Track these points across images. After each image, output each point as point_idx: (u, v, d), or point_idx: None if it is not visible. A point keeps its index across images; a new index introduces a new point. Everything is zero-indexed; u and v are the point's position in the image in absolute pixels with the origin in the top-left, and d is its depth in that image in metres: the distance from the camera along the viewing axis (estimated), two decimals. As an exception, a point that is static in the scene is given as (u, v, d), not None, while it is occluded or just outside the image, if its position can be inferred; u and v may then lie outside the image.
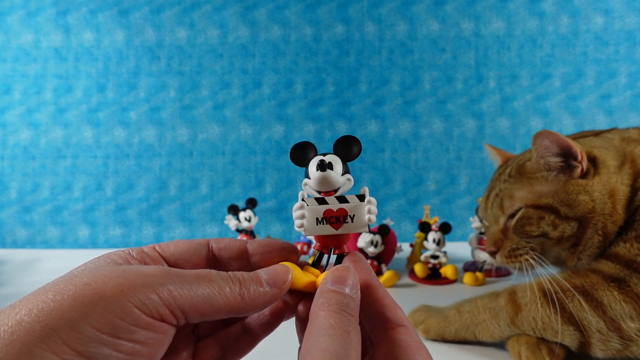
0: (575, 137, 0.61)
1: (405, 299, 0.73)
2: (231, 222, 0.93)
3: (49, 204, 1.22)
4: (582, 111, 1.22)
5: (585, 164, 0.52)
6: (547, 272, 0.50)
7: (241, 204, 0.98)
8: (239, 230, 0.94)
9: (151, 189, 1.23)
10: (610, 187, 0.51)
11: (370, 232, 0.79)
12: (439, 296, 0.74)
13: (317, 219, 0.27)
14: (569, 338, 0.45)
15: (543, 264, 0.51)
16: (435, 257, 0.81)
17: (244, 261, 0.27)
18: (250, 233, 0.94)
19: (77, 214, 1.22)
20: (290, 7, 1.25)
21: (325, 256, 0.28)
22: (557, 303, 0.46)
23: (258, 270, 0.25)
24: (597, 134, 0.60)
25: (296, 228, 0.27)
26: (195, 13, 1.25)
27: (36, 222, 1.21)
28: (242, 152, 1.24)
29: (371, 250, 0.78)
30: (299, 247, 0.89)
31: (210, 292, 0.22)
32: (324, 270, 0.27)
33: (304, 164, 0.27)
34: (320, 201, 0.27)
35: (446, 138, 1.24)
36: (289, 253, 0.27)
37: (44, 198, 1.22)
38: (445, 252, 0.82)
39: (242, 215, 0.92)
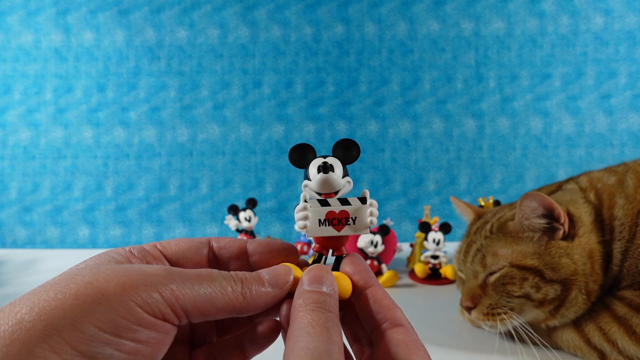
0: (552, 190, 0.61)
1: (405, 299, 0.73)
2: (231, 222, 0.93)
3: (49, 204, 1.22)
4: (582, 111, 1.22)
5: (567, 225, 0.52)
6: (521, 325, 0.51)
7: (241, 204, 0.99)
8: (239, 230, 0.94)
9: (151, 189, 1.23)
10: (589, 248, 0.51)
11: (370, 231, 0.80)
12: (439, 296, 0.74)
13: (319, 220, 0.27)
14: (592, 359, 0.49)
15: (521, 326, 0.51)
16: (435, 257, 0.81)
17: (244, 261, 0.28)
18: (250, 233, 0.94)
19: (77, 214, 1.22)
20: (290, 7, 1.25)
21: (325, 257, 0.28)
22: (583, 333, 0.49)
23: (260, 270, 0.25)
24: (557, 187, 0.60)
25: (298, 229, 0.27)
26: (195, 13, 1.25)
27: (36, 222, 1.21)
28: (242, 152, 1.24)
29: (371, 250, 0.78)
30: (298, 247, 0.89)
31: (212, 291, 0.22)
32: None
33: (304, 165, 0.28)
34: (323, 203, 0.27)
35: (446, 138, 1.24)
36: (289, 254, 0.27)
37: (44, 198, 1.22)
38: (445, 252, 0.82)
39: (242, 215, 0.92)
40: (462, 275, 0.60)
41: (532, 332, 0.52)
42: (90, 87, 1.23)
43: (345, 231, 0.27)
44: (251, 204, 0.95)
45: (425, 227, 0.82)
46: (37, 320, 0.18)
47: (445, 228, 0.81)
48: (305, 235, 0.28)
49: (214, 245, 0.27)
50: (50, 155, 1.22)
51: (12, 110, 1.23)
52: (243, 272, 0.24)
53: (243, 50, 1.25)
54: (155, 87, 1.24)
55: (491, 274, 0.54)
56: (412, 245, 0.94)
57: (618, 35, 1.22)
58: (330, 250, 0.28)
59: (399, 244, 0.86)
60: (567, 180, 0.61)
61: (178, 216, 1.22)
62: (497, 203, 0.87)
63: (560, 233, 0.52)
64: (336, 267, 0.27)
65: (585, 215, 0.53)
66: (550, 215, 0.52)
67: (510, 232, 0.55)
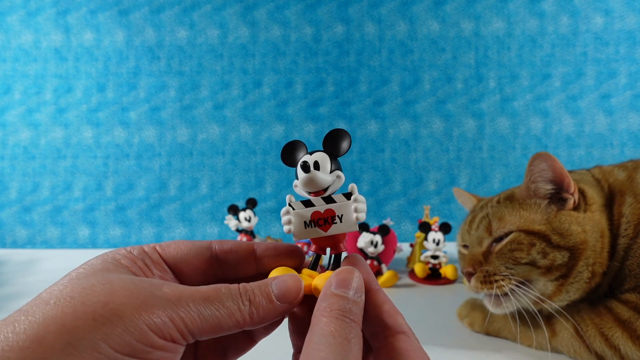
0: None
1: (405, 299, 0.73)
2: (231, 222, 0.93)
3: (49, 204, 1.22)
4: (582, 111, 1.22)
5: (577, 196, 0.51)
6: (528, 298, 0.50)
7: (241, 204, 0.99)
8: (239, 230, 0.94)
9: (151, 189, 1.23)
10: (602, 227, 0.50)
11: (370, 232, 0.80)
12: (439, 296, 0.74)
13: (304, 222, 0.26)
14: None
15: (520, 292, 0.50)
16: (435, 257, 0.81)
17: (251, 264, 0.27)
18: (250, 233, 0.94)
19: (77, 214, 1.22)
20: (290, 7, 1.25)
21: (328, 256, 0.28)
22: (584, 339, 0.48)
23: (269, 282, 0.24)
24: (572, 171, 0.60)
25: (286, 232, 0.27)
26: (195, 13, 1.25)
27: (36, 222, 1.21)
28: (242, 152, 1.24)
29: (371, 250, 0.78)
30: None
31: (220, 316, 0.22)
32: (322, 272, 0.27)
33: (294, 164, 0.27)
34: (307, 204, 0.26)
35: (446, 138, 1.24)
36: (295, 256, 0.27)
37: (44, 198, 1.22)
38: (445, 252, 0.82)
39: (242, 215, 0.92)
40: (464, 251, 0.60)
41: (530, 289, 0.51)
42: (90, 87, 1.23)
43: (332, 230, 0.26)
44: (251, 204, 0.95)
45: (425, 227, 0.82)
46: (58, 339, 0.19)
47: (445, 228, 0.81)
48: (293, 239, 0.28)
49: (217, 248, 0.27)
50: (50, 155, 1.22)
51: (12, 110, 1.23)
52: (251, 286, 0.24)
53: (243, 50, 1.25)
54: (155, 87, 1.24)
55: (497, 240, 0.53)
56: (412, 245, 0.94)
57: (618, 35, 1.22)
58: (329, 249, 0.27)
59: (399, 244, 0.86)
60: (579, 170, 0.60)
61: (178, 216, 1.22)
62: (497, 203, 0.87)
63: (571, 203, 0.51)
64: (335, 265, 0.27)
65: (597, 197, 0.53)
66: (558, 183, 0.52)
67: (518, 199, 0.54)
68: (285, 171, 1.23)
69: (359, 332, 0.22)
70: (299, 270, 0.27)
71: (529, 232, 0.51)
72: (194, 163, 1.23)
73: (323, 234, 0.26)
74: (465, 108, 1.24)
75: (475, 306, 0.59)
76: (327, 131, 1.24)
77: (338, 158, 0.27)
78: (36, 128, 1.23)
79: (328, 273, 0.25)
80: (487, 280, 0.52)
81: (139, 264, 0.25)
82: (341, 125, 1.24)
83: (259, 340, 0.28)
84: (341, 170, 0.27)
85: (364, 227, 0.81)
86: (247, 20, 1.25)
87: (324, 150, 0.27)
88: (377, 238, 0.79)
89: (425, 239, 0.82)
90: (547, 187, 0.52)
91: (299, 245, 0.29)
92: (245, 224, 0.92)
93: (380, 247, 0.79)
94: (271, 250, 0.27)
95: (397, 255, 0.87)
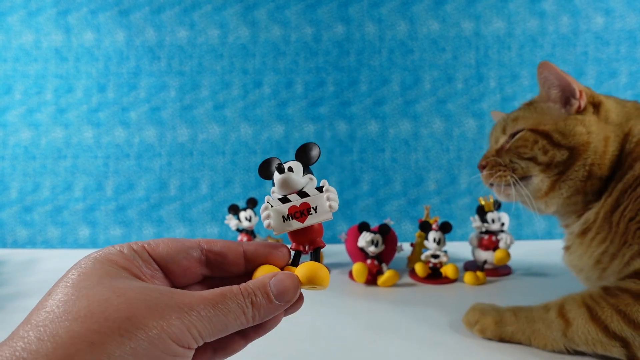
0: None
1: (406, 299, 0.73)
2: (231, 222, 0.93)
3: (49, 204, 1.22)
4: (583, 111, 1.22)
5: (584, 102, 0.56)
6: (523, 193, 0.57)
7: (241, 203, 0.99)
8: (239, 230, 0.94)
9: (151, 189, 1.23)
10: (606, 134, 0.54)
11: (371, 231, 0.80)
12: (439, 295, 0.74)
13: (283, 217, 0.28)
14: (617, 353, 0.46)
15: (518, 185, 0.57)
16: (435, 256, 0.81)
17: (240, 264, 0.29)
18: (250, 233, 0.94)
19: (77, 214, 1.22)
20: (290, 7, 1.25)
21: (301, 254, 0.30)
22: (600, 321, 0.46)
23: (267, 281, 0.26)
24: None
25: (266, 227, 0.29)
26: (195, 13, 1.25)
27: (36, 222, 1.21)
28: (242, 152, 1.24)
29: (372, 249, 0.78)
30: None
31: (227, 320, 0.24)
32: None
33: (270, 176, 0.29)
34: (284, 200, 0.29)
35: (446, 138, 1.24)
36: (284, 255, 0.29)
37: (44, 198, 1.22)
38: (445, 252, 0.82)
39: (242, 215, 0.93)
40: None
41: (528, 184, 0.57)
42: (90, 87, 1.23)
43: (309, 221, 0.28)
44: (251, 203, 0.95)
45: (425, 227, 0.82)
46: (89, 357, 0.19)
47: (445, 227, 0.81)
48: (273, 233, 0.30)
49: (205, 248, 0.28)
50: (51, 155, 1.23)
51: (13, 110, 1.23)
52: (251, 287, 0.25)
53: (243, 50, 1.25)
54: (155, 87, 1.24)
55: (512, 136, 0.60)
56: (412, 245, 0.94)
57: (619, 35, 1.22)
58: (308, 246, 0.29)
59: (399, 244, 0.86)
60: (624, 100, 0.64)
61: (178, 216, 1.22)
62: (497, 202, 0.87)
63: (575, 107, 0.56)
64: (314, 258, 0.29)
65: (613, 114, 0.56)
66: (565, 89, 0.57)
67: (534, 102, 0.61)
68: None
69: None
70: (282, 268, 0.29)
71: (534, 131, 0.57)
72: (194, 163, 1.23)
73: (300, 225, 0.28)
74: (466, 108, 1.24)
75: (484, 311, 0.56)
76: (327, 131, 1.24)
77: (310, 166, 0.29)
78: (37, 128, 1.23)
79: (307, 263, 0.27)
80: (493, 170, 0.59)
81: (134, 263, 0.25)
82: (341, 125, 1.24)
83: (251, 340, 0.29)
84: (313, 174, 0.29)
85: (364, 226, 0.81)
86: (247, 20, 1.25)
87: (297, 160, 0.30)
88: (378, 237, 0.79)
89: (426, 238, 0.82)
90: (556, 92, 0.57)
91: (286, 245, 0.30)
92: (245, 224, 0.92)
93: (381, 247, 0.79)
94: (260, 249, 0.29)
95: (397, 254, 0.87)
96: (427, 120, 1.24)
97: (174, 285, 0.28)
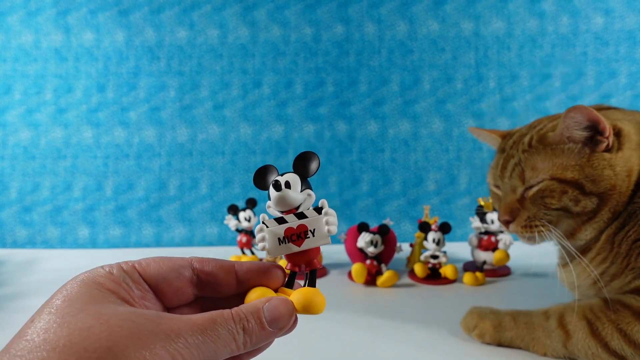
0: (595, 108, 0.61)
1: (405, 299, 0.73)
2: (231, 222, 0.93)
3: (49, 204, 1.22)
4: (582, 111, 1.22)
5: (611, 139, 0.52)
6: (555, 236, 0.53)
7: (241, 203, 0.99)
8: (238, 230, 0.94)
9: (151, 189, 1.23)
10: (630, 166, 0.51)
11: (370, 232, 0.80)
12: (439, 296, 0.74)
13: (279, 239, 0.27)
14: None
15: (557, 236, 0.53)
16: (435, 257, 0.81)
17: (232, 284, 0.28)
18: (250, 233, 0.94)
19: (77, 214, 1.22)
20: (290, 7, 1.25)
21: (296, 274, 0.29)
22: (601, 337, 0.46)
23: (260, 306, 0.25)
24: (614, 107, 0.60)
25: (260, 250, 0.28)
26: (195, 13, 1.25)
27: (36, 222, 1.21)
28: (242, 152, 1.24)
29: (371, 250, 0.78)
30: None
31: (216, 347, 0.23)
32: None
33: (266, 187, 0.28)
34: (280, 221, 0.27)
35: (446, 138, 1.24)
36: (277, 276, 0.28)
37: (44, 198, 1.22)
38: (445, 252, 0.82)
39: (242, 215, 0.93)
40: (497, 191, 0.60)
41: (569, 245, 0.53)
42: (90, 87, 1.23)
43: (306, 245, 0.27)
44: (251, 203, 0.95)
45: (425, 227, 0.82)
46: None
47: (444, 228, 0.81)
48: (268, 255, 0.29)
49: (197, 267, 0.27)
50: (50, 155, 1.22)
51: (12, 110, 1.23)
52: (244, 312, 0.24)
53: (243, 50, 1.25)
54: (155, 87, 1.24)
55: (530, 187, 0.54)
56: (411, 245, 0.94)
57: (618, 35, 1.22)
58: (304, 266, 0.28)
59: (398, 244, 0.86)
60: (631, 110, 0.60)
61: (178, 216, 1.22)
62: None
63: (604, 146, 0.52)
64: (311, 282, 0.27)
65: (634, 135, 0.53)
66: (594, 127, 0.52)
67: (551, 143, 0.54)
68: (285, 171, 1.23)
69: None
70: (277, 290, 0.27)
71: (561, 181, 0.52)
72: (193, 163, 1.23)
73: (297, 249, 0.27)
74: (465, 108, 1.24)
75: (483, 315, 0.56)
76: (327, 131, 1.24)
77: (308, 178, 0.28)
78: (36, 128, 1.23)
79: (303, 290, 0.26)
80: (528, 225, 0.54)
81: (123, 286, 0.24)
82: (341, 125, 1.24)
83: None
84: (311, 190, 0.28)
85: (364, 227, 0.81)
86: (247, 20, 1.25)
87: (294, 171, 0.28)
88: (377, 238, 0.79)
89: (425, 238, 0.82)
90: (583, 134, 0.52)
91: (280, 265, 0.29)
92: (245, 224, 0.93)
93: (380, 247, 0.79)
94: (252, 270, 0.27)
95: (397, 255, 0.87)
96: (427, 121, 1.24)
97: (165, 306, 0.27)
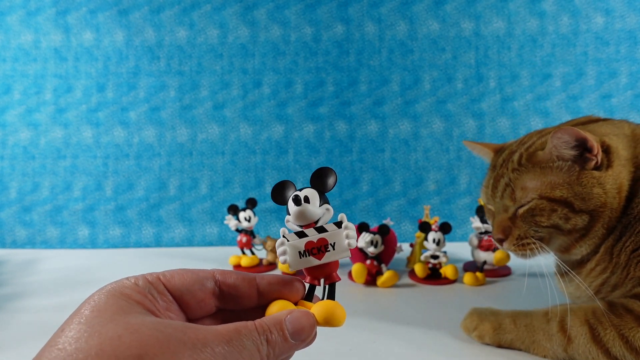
0: (583, 121, 0.60)
1: (405, 299, 0.73)
2: (231, 222, 0.93)
3: (49, 204, 1.22)
4: (583, 111, 1.22)
5: (600, 156, 0.51)
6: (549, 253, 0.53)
7: (241, 204, 0.98)
8: (238, 230, 0.94)
9: (151, 189, 1.23)
10: (620, 182, 0.51)
11: (370, 232, 0.79)
12: (439, 296, 0.74)
13: (299, 252, 0.28)
14: None
15: (546, 252, 0.53)
16: (435, 257, 0.81)
17: (253, 296, 0.28)
18: (250, 233, 0.94)
19: (76, 214, 1.22)
20: (290, 7, 1.25)
21: (322, 286, 0.29)
22: (602, 343, 0.46)
23: (283, 318, 0.25)
24: (604, 119, 0.60)
25: (281, 263, 0.28)
26: (195, 13, 1.25)
27: (36, 222, 1.21)
28: (242, 152, 1.24)
29: (371, 250, 0.78)
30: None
31: (241, 358, 0.23)
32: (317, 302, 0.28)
33: (284, 202, 0.28)
34: (300, 235, 0.28)
35: (446, 138, 1.24)
36: (297, 289, 0.28)
37: (43, 198, 1.22)
38: (445, 252, 0.82)
39: (242, 215, 0.92)
40: (492, 207, 0.60)
41: (562, 262, 0.53)
42: (90, 87, 1.23)
43: (326, 258, 0.27)
44: (251, 204, 0.95)
45: (425, 227, 0.82)
46: None
47: (445, 228, 0.81)
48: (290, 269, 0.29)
49: (220, 280, 0.28)
50: (50, 155, 1.22)
51: (12, 110, 1.23)
52: (267, 324, 0.25)
53: (243, 50, 1.25)
54: (155, 87, 1.24)
55: (521, 206, 0.54)
56: (412, 245, 0.93)
57: (619, 35, 1.22)
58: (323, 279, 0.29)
59: (399, 244, 0.86)
60: (618, 120, 0.59)
61: (178, 216, 1.22)
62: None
63: (592, 163, 0.52)
64: (330, 295, 0.28)
65: (623, 150, 0.52)
66: (581, 146, 0.52)
67: (540, 162, 0.54)
68: (285, 171, 1.23)
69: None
70: (297, 303, 0.28)
71: (550, 199, 0.52)
72: (193, 163, 1.23)
73: (317, 262, 0.27)
74: (466, 108, 1.24)
75: (483, 317, 0.56)
76: (327, 131, 1.24)
77: (325, 194, 0.28)
78: (36, 128, 1.23)
79: (324, 302, 0.27)
80: (520, 243, 0.54)
81: (148, 297, 0.25)
82: (341, 125, 1.24)
83: None
84: (329, 204, 0.28)
85: (364, 227, 0.80)
86: (247, 20, 1.25)
87: (312, 187, 0.28)
88: (377, 238, 0.79)
89: (425, 238, 0.82)
90: (572, 152, 0.52)
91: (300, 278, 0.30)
92: (245, 224, 0.92)
93: (380, 247, 0.79)
94: (273, 283, 0.28)
95: (397, 255, 0.87)
96: (427, 120, 1.24)
97: (188, 317, 0.28)
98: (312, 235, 0.28)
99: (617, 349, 0.45)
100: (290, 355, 0.27)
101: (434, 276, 0.81)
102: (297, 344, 0.25)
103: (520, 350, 0.53)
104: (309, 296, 0.29)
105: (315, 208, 0.27)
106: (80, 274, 0.91)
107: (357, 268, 0.78)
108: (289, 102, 1.24)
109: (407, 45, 1.25)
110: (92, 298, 0.24)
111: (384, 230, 0.80)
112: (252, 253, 0.94)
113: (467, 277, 0.80)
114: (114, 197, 1.22)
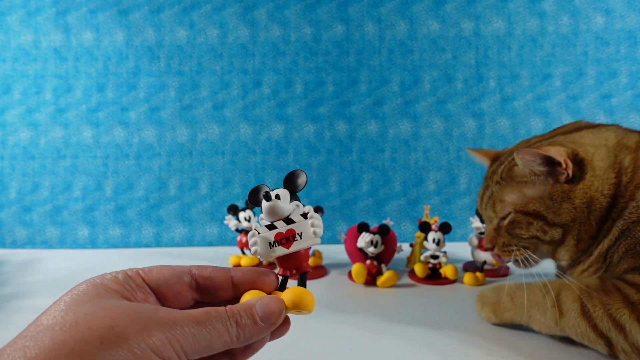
0: (570, 129, 0.60)
1: (405, 299, 0.73)
2: (231, 222, 0.93)
3: (49, 204, 1.22)
4: (583, 111, 1.22)
5: (570, 170, 0.52)
6: (536, 260, 0.56)
7: (241, 203, 0.98)
8: (238, 230, 0.94)
9: (151, 189, 1.23)
10: (591, 195, 0.52)
11: (370, 232, 0.79)
12: (439, 296, 0.74)
13: (269, 243, 0.30)
14: (601, 349, 0.49)
15: (532, 261, 0.56)
16: (435, 257, 0.81)
17: (228, 289, 0.30)
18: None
19: (76, 214, 1.22)
20: (290, 7, 1.25)
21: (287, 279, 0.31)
22: (591, 319, 0.48)
23: (253, 304, 0.27)
24: (593, 126, 0.60)
25: (252, 254, 0.30)
26: (195, 13, 1.25)
27: (36, 222, 1.21)
28: (242, 152, 1.24)
29: (371, 250, 0.78)
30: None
31: (210, 338, 0.24)
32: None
33: (259, 202, 0.31)
34: (270, 227, 0.30)
35: (446, 138, 1.24)
36: (270, 281, 0.30)
37: (43, 198, 1.22)
38: (445, 252, 0.82)
39: (241, 215, 0.92)
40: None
41: (535, 253, 0.56)
42: (90, 87, 1.23)
43: (294, 247, 0.29)
44: (251, 203, 0.94)
45: (425, 227, 0.82)
46: None
47: (445, 228, 0.81)
48: (260, 259, 0.32)
49: (196, 273, 0.29)
50: (50, 155, 1.22)
51: (12, 110, 1.23)
52: (237, 308, 0.26)
53: (243, 50, 1.25)
54: (155, 87, 1.24)
55: (503, 218, 0.57)
56: (412, 245, 0.93)
57: (619, 35, 1.22)
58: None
59: (399, 244, 0.86)
60: (609, 126, 0.59)
61: (178, 216, 1.22)
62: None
63: (563, 177, 0.53)
64: (301, 283, 0.30)
65: (599, 162, 0.53)
66: (549, 162, 0.53)
67: (516, 176, 0.57)
68: (285, 171, 1.23)
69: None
70: (270, 294, 0.30)
71: (525, 213, 0.54)
72: (193, 163, 1.23)
73: (286, 251, 0.29)
74: (466, 108, 1.24)
75: (484, 302, 0.61)
76: (327, 131, 1.24)
77: (297, 193, 0.30)
78: (36, 128, 1.23)
79: (293, 288, 0.28)
80: (505, 249, 0.57)
81: (127, 288, 0.26)
82: (341, 125, 1.24)
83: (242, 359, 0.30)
84: (300, 202, 0.30)
85: (364, 227, 0.80)
86: (247, 20, 1.25)
87: (284, 187, 0.31)
88: (377, 238, 0.79)
89: (425, 239, 0.82)
90: (542, 169, 0.54)
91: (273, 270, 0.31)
92: (245, 224, 0.92)
93: (380, 247, 0.79)
94: (247, 275, 0.30)
95: (397, 255, 0.87)
96: (427, 121, 1.24)
97: None
98: (281, 227, 0.30)
99: (604, 324, 0.47)
100: (263, 342, 0.28)
101: (434, 276, 0.81)
102: (267, 326, 0.26)
103: (520, 324, 0.56)
104: (282, 288, 0.30)
105: (285, 204, 0.29)
106: (80, 274, 0.91)
107: (357, 268, 0.78)
108: (289, 102, 1.24)
109: (407, 45, 1.25)
110: (73, 288, 0.26)
111: (384, 230, 0.80)
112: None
113: (467, 277, 0.80)
114: (114, 197, 1.22)
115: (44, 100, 1.23)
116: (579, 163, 0.53)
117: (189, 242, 1.21)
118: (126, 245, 1.20)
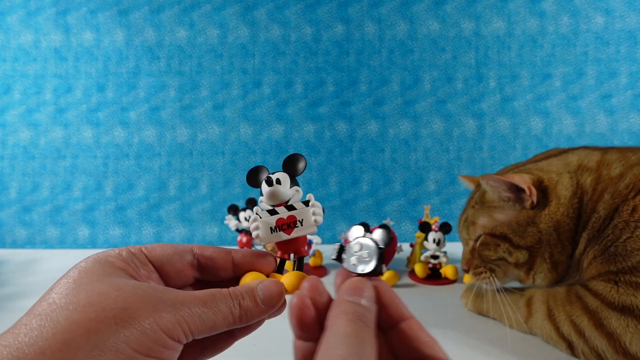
0: (540, 158, 0.64)
1: (406, 299, 0.73)
2: (231, 222, 0.93)
3: (49, 204, 1.21)
4: (583, 111, 1.22)
5: (534, 196, 0.55)
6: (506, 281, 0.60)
7: (241, 203, 0.98)
8: (238, 230, 0.94)
9: (151, 189, 1.23)
10: (557, 219, 0.54)
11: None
12: (439, 296, 0.74)
13: (270, 228, 0.30)
14: (563, 349, 0.52)
15: (496, 283, 0.59)
16: (435, 257, 0.81)
17: (228, 268, 0.30)
18: (250, 233, 0.94)
19: (76, 214, 1.22)
20: (290, 7, 1.25)
21: (285, 262, 0.32)
22: (555, 322, 0.52)
23: (255, 286, 0.27)
24: (561, 152, 0.62)
25: (254, 238, 0.31)
26: (195, 13, 1.25)
27: (36, 222, 1.21)
28: (242, 152, 1.24)
29: (371, 250, 0.78)
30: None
31: (215, 318, 0.25)
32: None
33: (258, 185, 0.31)
34: (272, 212, 0.30)
35: (446, 138, 1.24)
36: (269, 262, 0.31)
37: (43, 198, 1.22)
38: (445, 252, 0.82)
39: (242, 215, 0.92)
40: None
41: (503, 291, 0.59)
42: (90, 87, 1.23)
43: (295, 233, 0.30)
44: (251, 203, 0.95)
45: (425, 227, 0.82)
46: (85, 342, 0.21)
47: (445, 228, 0.81)
48: (260, 244, 0.31)
49: (198, 253, 0.30)
50: (50, 155, 1.22)
51: (12, 110, 1.23)
52: (240, 290, 0.27)
53: (243, 50, 1.25)
54: (155, 87, 1.24)
55: (475, 240, 0.61)
56: (412, 245, 0.93)
57: (619, 34, 1.22)
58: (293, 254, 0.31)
59: (399, 244, 0.86)
60: (576, 150, 0.61)
61: (178, 216, 1.22)
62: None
63: (528, 203, 0.56)
64: (299, 267, 0.30)
65: (562, 190, 0.56)
66: (514, 188, 0.56)
67: (487, 201, 0.61)
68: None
69: (372, 336, 0.23)
70: (268, 275, 0.30)
71: (493, 235, 0.58)
72: (193, 163, 1.23)
73: (287, 237, 0.30)
74: (466, 108, 1.24)
75: (471, 287, 0.67)
76: (327, 131, 1.24)
77: (296, 177, 0.31)
78: (36, 128, 1.23)
79: (292, 273, 0.29)
80: (476, 272, 0.61)
81: (131, 265, 0.27)
82: (341, 125, 1.24)
83: (238, 339, 0.30)
84: (299, 186, 0.31)
85: (364, 227, 0.80)
86: (247, 20, 1.25)
87: (284, 171, 0.31)
88: (377, 238, 0.79)
89: (426, 239, 0.82)
90: (508, 195, 0.57)
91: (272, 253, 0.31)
92: (245, 224, 0.92)
93: (381, 247, 0.79)
94: (247, 256, 0.30)
95: (397, 255, 0.87)
96: (427, 121, 1.24)
97: (168, 286, 0.29)
98: (283, 212, 0.30)
99: (566, 328, 0.51)
100: (262, 321, 0.29)
101: (434, 276, 0.81)
102: (267, 309, 0.27)
103: (494, 319, 0.61)
104: (280, 269, 0.31)
105: (285, 189, 0.30)
106: (80, 274, 0.91)
107: (357, 268, 0.77)
108: (289, 102, 1.24)
109: (407, 45, 1.25)
110: (79, 264, 0.26)
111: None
112: (252, 253, 0.94)
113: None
114: (114, 197, 1.22)
115: (44, 100, 1.23)
116: (544, 190, 0.56)
117: (189, 242, 1.21)
118: (126, 245, 1.20)
